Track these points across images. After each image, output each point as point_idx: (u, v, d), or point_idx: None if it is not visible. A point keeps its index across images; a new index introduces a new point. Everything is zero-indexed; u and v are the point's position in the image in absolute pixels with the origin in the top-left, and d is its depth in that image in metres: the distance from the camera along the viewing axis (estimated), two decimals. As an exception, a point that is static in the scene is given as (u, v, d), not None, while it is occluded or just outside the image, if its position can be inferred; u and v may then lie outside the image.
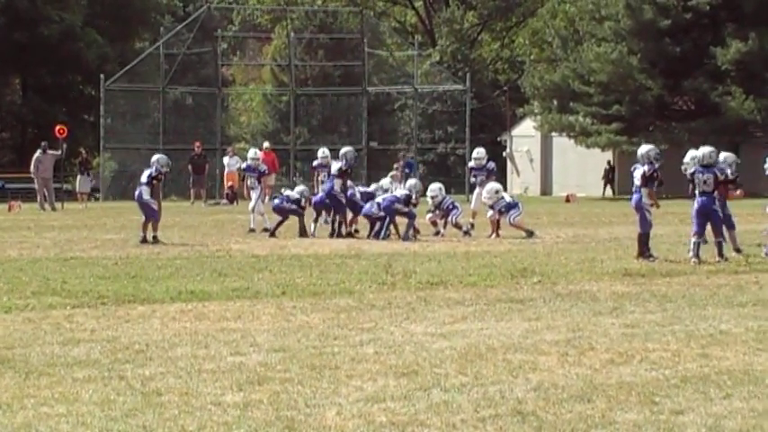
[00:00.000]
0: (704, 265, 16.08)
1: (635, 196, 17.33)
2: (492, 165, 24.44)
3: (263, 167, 24.57)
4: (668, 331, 10.20)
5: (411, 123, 54.55)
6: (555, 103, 52.23)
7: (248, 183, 24.36)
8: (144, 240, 20.37)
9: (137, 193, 21.15)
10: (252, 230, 23.45)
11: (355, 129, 51.22)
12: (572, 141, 51.77)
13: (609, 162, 53.21)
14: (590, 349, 9.26)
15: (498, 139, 60.09)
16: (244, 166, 25.81)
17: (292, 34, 55.09)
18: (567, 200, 45.35)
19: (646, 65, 48.29)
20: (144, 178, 21.10)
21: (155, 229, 20.69)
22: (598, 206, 39.48)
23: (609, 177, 53.39)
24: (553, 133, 54.45)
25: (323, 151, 26.66)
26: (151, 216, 20.71)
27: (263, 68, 68.32)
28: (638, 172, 17.27)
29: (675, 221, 26.72)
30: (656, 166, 17.20)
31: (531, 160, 58.01)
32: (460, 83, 51.86)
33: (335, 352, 9.14)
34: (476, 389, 7.73)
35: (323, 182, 24.26)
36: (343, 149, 23.37)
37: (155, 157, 21.80)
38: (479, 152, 24.41)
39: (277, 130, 59.01)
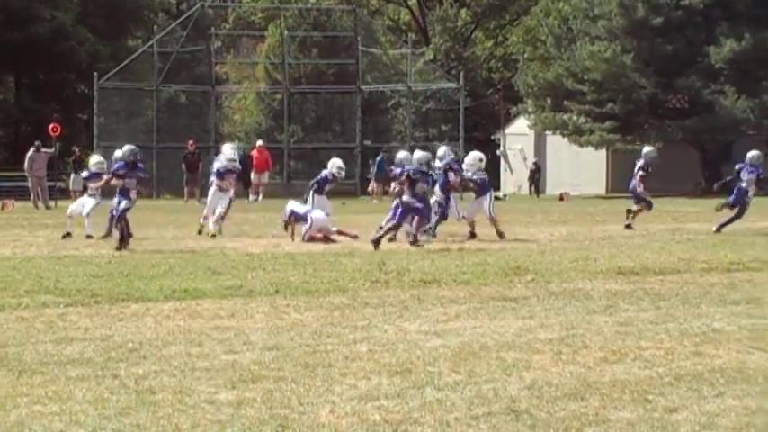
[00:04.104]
0: (697, 263, 16.09)
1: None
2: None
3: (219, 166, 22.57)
4: (662, 329, 10.21)
5: (405, 122, 54.56)
6: (548, 101, 52.29)
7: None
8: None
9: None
10: (213, 236, 21.57)
11: (349, 127, 51.22)
12: (566, 140, 51.81)
13: (535, 163, 53.88)
14: (583, 347, 9.26)
15: (492, 137, 60.16)
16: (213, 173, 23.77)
17: (286, 32, 55.08)
18: (561, 198, 45.42)
19: (639, 63, 48.33)
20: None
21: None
22: (591, 204, 39.50)
23: (534, 178, 53.73)
24: (547, 132, 54.50)
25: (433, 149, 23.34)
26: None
27: (256, 67, 68.25)
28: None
29: (668, 219, 26.75)
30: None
31: (525, 159, 58.10)
32: (454, 81, 51.88)
33: (329, 350, 9.13)
34: (469, 387, 7.72)
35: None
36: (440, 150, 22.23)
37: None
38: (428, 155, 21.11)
39: (271, 129, 58.97)
